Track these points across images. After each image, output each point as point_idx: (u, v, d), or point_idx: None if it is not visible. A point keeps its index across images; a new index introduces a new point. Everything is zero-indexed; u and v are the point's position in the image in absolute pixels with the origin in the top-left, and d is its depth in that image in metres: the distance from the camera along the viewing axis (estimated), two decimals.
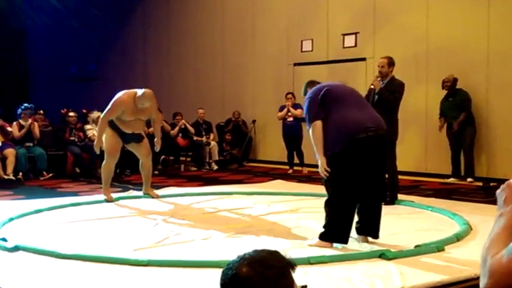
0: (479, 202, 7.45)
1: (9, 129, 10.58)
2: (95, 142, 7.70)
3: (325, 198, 5.06)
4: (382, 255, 4.52)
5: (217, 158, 12.36)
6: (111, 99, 7.55)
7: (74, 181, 10.08)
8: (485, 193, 8.27)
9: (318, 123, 4.91)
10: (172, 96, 14.46)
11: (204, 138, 12.41)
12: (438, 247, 4.80)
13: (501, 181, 1.80)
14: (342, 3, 11.57)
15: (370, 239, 5.12)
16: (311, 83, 5.47)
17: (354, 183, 4.87)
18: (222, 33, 13.93)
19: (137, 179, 8.84)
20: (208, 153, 12.28)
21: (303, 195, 7.91)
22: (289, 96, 11.44)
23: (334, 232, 4.92)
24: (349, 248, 4.88)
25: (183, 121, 12.39)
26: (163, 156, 11.94)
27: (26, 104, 11.12)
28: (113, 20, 16.37)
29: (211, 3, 14.22)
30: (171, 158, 12.43)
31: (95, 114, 11.43)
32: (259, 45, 13.12)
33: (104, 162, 7.69)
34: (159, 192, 8.15)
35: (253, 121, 13.08)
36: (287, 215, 6.53)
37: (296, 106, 11.25)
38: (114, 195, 7.74)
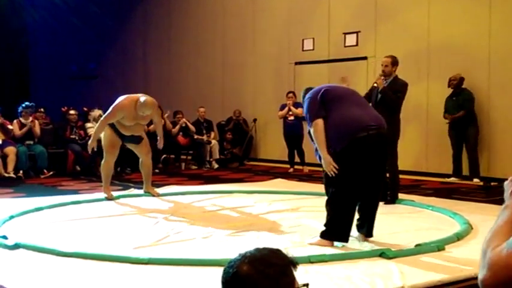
0: (479, 201, 7.44)
1: (10, 127, 10.58)
2: (89, 142, 7.67)
3: (325, 198, 5.06)
4: (383, 254, 4.52)
5: (218, 156, 12.36)
6: (111, 98, 7.53)
7: (75, 179, 10.09)
8: (485, 192, 8.27)
9: (320, 122, 4.90)
10: (172, 95, 14.45)
11: (204, 137, 12.41)
12: (438, 246, 4.80)
13: (501, 180, 1.80)
14: (343, 2, 11.56)
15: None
16: (309, 90, 5.46)
17: (355, 181, 4.87)
18: (222, 32, 13.92)
19: (138, 177, 8.84)
20: (209, 151, 12.29)
21: (304, 194, 7.91)
22: (290, 95, 11.44)
23: (335, 231, 4.92)
24: (349, 247, 4.88)
25: (184, 119, 12.39)
26: (164, 156, 11.94)
27: (27, 103, 11.13)
28: (114, 18, 16.37)
29: (212, 2, 14.22)
30: (172, 156, 12.43)
31: (96, 112, 11.44)
32: (260, 43, 13.11)
33: (103, 161, 7.70)
34: (160, 190, 8.15)
35: (254, 120, 13.08)
36: (288, 214, 6.53)
37: (297, 105, 11.24)
38: (115, 194, 7.75)
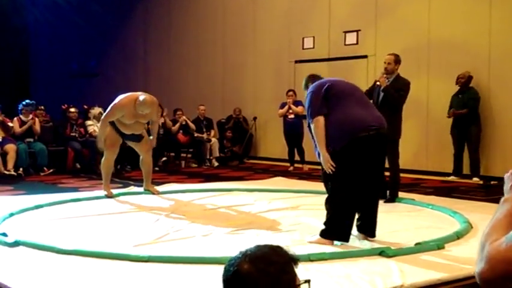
0: (479, 200, 7.45)
1: (10, 124, 10.58)
2: (98, 144, 7.67)
3: (325, 196, 5.07)
4: (383, 252, 4.52)
5: (217, 154, 12.36)
6: (112, 96, 7.53)
7: (75, 177, 10.09)
8: (485, 191, 8.27)
9: (321, 119, 4.90)
10: (172, 93, 14.45)
11: (204, 135, 12.41)
12: (438, 245, 4.80)
13: (501, 179, 1.80)
14: (344, 0, 11.56)
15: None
16: (312, 77, 5.45)
17: (354, 180, 4.87)
18: (223, 30, 13.92)
19: (138, 175, 8.84)
20: (209, 149, 12.29)
21: (304, 192, 7.90)
22: (290, 93, 11.43)
23: (334, 230, 4.92)
24: (349, 246, 4.88)
25: (184, 117, 12.39)
26: (164, 158, 11.93)
27: (27, 100, 11.13)
28: (114, 16, 16.37)
29: (212, 0, 14.21)
30: (172, 154, 12.43)
31: (96, 110, 11.45)
32: (261, 42, 13.11)
33: (103, 158, 7.70)
34: (160, 188, 8.15)
35: (254, 118, 13.08)
36: (287, 212, 6.53)
37: (297, 103, 11.25)
38: (115, 191, 7.75)
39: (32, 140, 10.80)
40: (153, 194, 7.81)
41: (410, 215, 6.45)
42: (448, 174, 9.67)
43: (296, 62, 12.41)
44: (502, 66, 9.43)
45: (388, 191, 7.14)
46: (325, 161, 4.89)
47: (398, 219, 6.11)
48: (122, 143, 7.82)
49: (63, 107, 11.86)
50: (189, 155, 12.55)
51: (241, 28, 13.51)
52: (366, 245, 4.95)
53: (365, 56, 11.15)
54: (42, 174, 10.42)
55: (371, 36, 11.07)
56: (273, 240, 5.00)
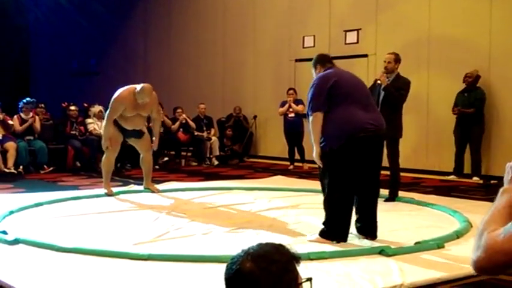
0: (479, 200, 7.45)
1: (10, 122, 10.58)
2: (102, 142, 7.68)
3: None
4: (382, 251, 4.52)
5: (218, 153, 12.36)
6: (112, 94, 7.54)
7: (75, 175, 10.10)
8: (485, 191, 8.28)
9: (320, 116, 4.93)
10: (173, 92, 14.44)
11: (205, 134, 12.41)
12: (438, 244, 4.80)
13: (501, 178, 1.80)
14: None
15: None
16: (321, 58, 5.37)
17: (350, 180, 4.90)
18: (223, 29, 13.91)
19: (138, 173, 8.85)
20: (209, 148, 12.29)
21: (304, 191, 7.90)
22: (291, 92, 11.43)
23: (332, 230, 4.95)
24: (349, 244, 4.89)
25: (184, 116, 12.39)
26: (166, 158, 11.92)
27: (28, 98, 11.13)
28: (115, 15, 16.37)
29: None
30: (172, 152, 12.43)
31: (96, 108, 11.45)
32: (261, 40, 13.10)
33: (104, 156, 7.70)
34: (160, 186, 8.15)
35: (254, 117, 13.08)
36: (288, 211, 6.53)
37: (297, 102, 11.25)
38: (115, 189, 7.75)
39: (32, 138, 10.80)
40: (153, 192, 7.81)
41: (410, 214, 6.45)
42: (448, 174, 9.67)
43: (296, 60, 12.40)
44: (503, 64, 9.42)
45: (389, 190, 7.16)
46: (316, 156, 4.98)
47: (398, 218, 6.11)
48: (123, 141, 7.82)
49: (63, 105, 11.86)
50: (189, 154, 12.55)
51: (241, 27, 13.50)
52: (366, 243, 4.95)
53: (365, 55, 11.15)
54: (42, 172, 10.42)
55: (371, 35, 11.07)
56: (273, 239, 4.99)
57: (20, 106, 10.89)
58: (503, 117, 9.44)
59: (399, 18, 10.65)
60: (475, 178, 9.29)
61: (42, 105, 11.76)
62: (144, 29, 15.97)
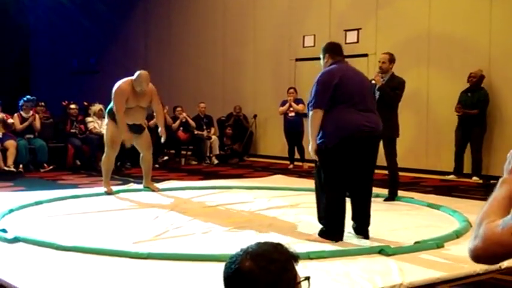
0: (479, 199, 7.44)
1: (10, 120, 10.57)
2: (124, 138, 7.59)
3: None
4: (382, 251, 4.53)
5: (217, 152, 12.36)
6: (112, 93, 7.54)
7: (74, 173, 10.09)
8: (485, 190, 8.27)
9: (320, 113, 4.99)
10: (173, 90, 14.44)
11: (204, 133, 12.41)
12: (438, 244, 4.81)
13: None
14: None
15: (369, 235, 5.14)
16: (331, 47, 5.45)
17: (342, 179, 4.96)
18: (223, 28, 13.91)
19: (138, 172, 8.85)
20: (209, 147, 12.28)
21: (303, 190, 7.89)
22: (291, 91, 11.43)
23: (329, 230, 5.00)
24: (348, 244, 4.90)
25: (184, 114, 12.39)
26: (166, 157, 11.92)
27: (28, 96, 11.12)
28: (115, 14, 16.36)
29: None
30: (172, 151, 12.43)
31: (96, 106, 11.44)
32: (261, 40, 13.10)
33: (104, 155, 7.70)
34: (160, 185, 8.16)
35: (254, 116, 13.08)
36: (287, 210, 6.54)
37: (298, 101, 11.25)
38: (115, 188, 7.75)
39: (32, 136, 10.79)
40: (153, 191, 7.81)
41: (410, 213, 6.45)
42: (448, 173, 9.66)
43: (297, 60, 12.40)
44: (503, 64, 9.40)
45: (389, 190, 7.17)
46: (312, 151, 5.05)
47: (398, 218, 6.12)
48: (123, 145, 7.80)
49: (63, 103, 11.86)
50: (189, 153, 12.55)
51: (241, 25, 13.50)
52: (365, 243, 4.96)
53: (365, 55, 11.14)
54: (42, 170, 10.41)
55: (371, 35, 11.07)
56: (272, 238, 5.00)
57: (20, 104, 10.88)
58: (505, 117, 9.43)
59: (399, 17, 10.64)
60: (475, 178, 9.29)
61: (43, 103, 11.75)
62: (144, 28, 15.97)
